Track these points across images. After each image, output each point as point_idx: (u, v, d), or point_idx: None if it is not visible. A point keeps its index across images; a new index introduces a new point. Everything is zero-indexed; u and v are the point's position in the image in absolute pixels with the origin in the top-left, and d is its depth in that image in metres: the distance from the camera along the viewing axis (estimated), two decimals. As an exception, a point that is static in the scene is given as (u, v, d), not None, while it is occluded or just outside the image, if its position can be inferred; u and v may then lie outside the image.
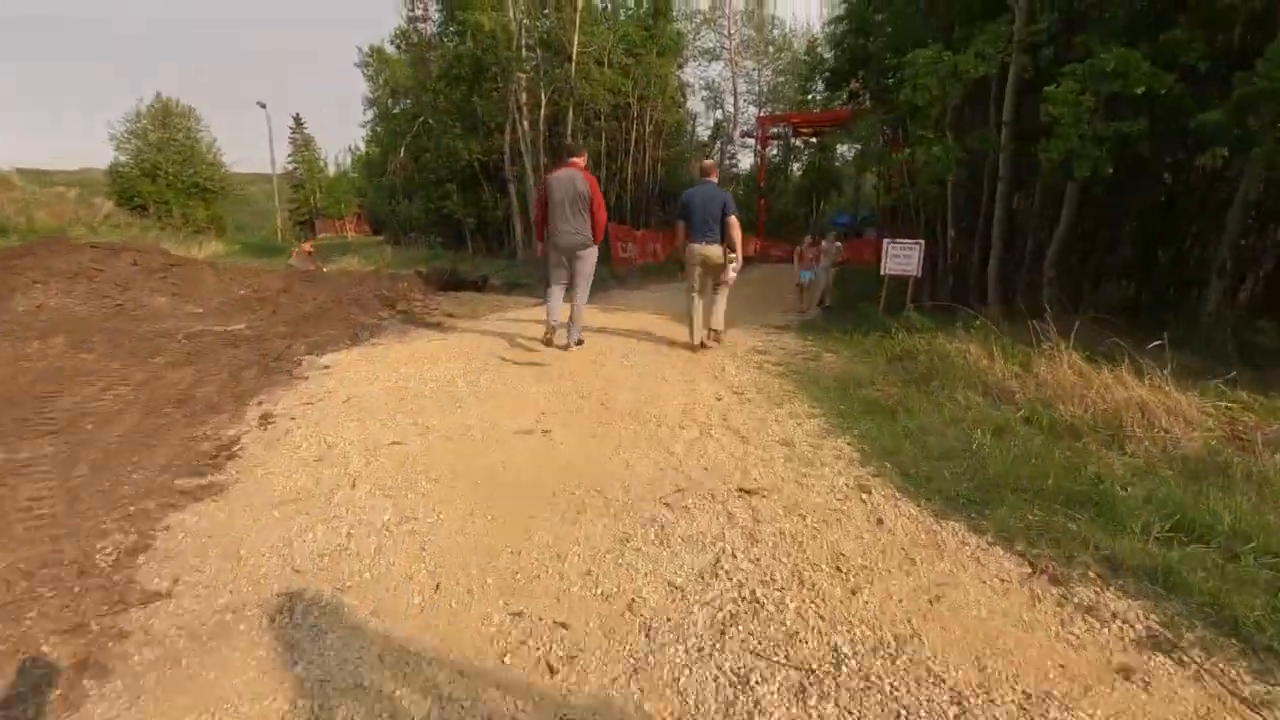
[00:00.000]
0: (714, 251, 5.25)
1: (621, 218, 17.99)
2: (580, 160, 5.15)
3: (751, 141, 35.06)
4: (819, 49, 34.33)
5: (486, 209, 19.07)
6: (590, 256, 5.11)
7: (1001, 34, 7.03)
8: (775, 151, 35.05)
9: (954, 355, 4.95)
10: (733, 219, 5.13)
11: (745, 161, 41.00)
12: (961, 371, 4.63)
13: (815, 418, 3.98)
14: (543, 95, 15.91)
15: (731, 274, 5.37)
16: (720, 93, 33.29)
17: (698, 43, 30.31)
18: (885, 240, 8.69)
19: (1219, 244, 6.64)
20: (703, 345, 5.61)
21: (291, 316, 6.63)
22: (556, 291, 5.22)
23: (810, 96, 34.95)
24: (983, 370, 4.57)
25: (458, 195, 19.33)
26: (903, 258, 8.44)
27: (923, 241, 8.52)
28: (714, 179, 5.44)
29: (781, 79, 36.35)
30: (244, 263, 13.59)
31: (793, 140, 34.91)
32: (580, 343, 5.38)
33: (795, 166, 37.10)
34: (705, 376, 4.86)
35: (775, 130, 31.42)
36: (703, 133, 35.04)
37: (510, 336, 5.86)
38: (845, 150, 36.41)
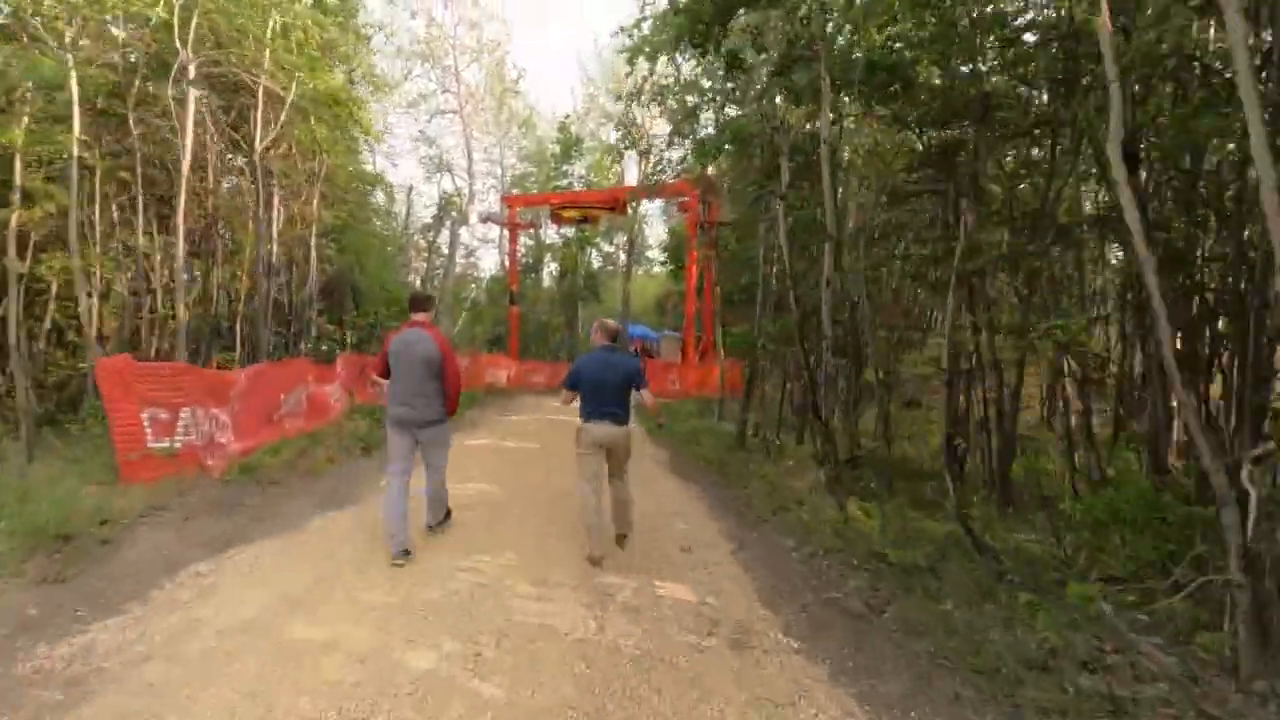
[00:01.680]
0: (618, 434, 4.25)
1: (232, 345, 7.08)
2: (428, 315, 4.33)
3: (495, 232, 26.60)
4: (571, 125, 28.58)
5: None
6: (444, 433, 4.41)
7: None
8: (524, 250, 26.85)
9: None
10: (646, 393, 4.34)
11: (487, 260, 32.41)
12: None
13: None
14: None
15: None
16: (447, 154, 24.40)
17: (410, 84, 21.41)
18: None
19: None
20: (618, 543, 4.34)
21: None
22: (399, 488, 4.05)
23: (567, 181, 28.20)
24: None
25: None
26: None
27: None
28: (614, 343, 4.45)
29: (528, 167, 29.20)
30: None
31: (546, 232, 27.35)
32: (448, 515, 4.58)
33: (550, 266, 29.37)
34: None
35: (526, 215, 23.16)
36: (424, 211, 25.55)
37: None
38: (615, 245, 30.26)
